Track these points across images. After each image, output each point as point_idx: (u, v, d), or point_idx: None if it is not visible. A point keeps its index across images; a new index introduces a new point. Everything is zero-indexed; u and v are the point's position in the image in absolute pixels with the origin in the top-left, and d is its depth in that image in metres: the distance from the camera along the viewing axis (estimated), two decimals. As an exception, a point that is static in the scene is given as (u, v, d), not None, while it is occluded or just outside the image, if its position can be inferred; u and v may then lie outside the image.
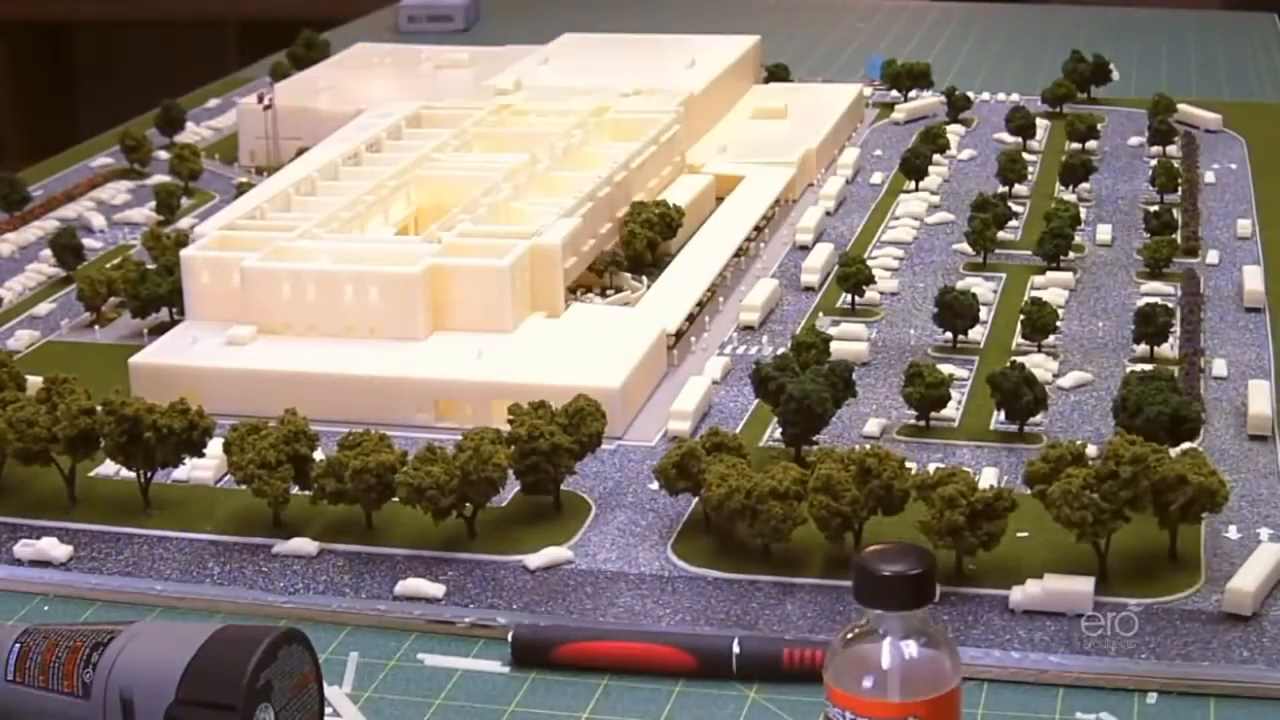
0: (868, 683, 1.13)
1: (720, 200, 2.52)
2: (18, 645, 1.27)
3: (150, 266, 2.21)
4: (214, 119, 3.20)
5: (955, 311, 2.03)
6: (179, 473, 1.76)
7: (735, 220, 2.42)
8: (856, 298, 2.18)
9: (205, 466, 1.76)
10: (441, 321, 1.98)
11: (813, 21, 3.97)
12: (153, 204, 2.62)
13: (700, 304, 2.15)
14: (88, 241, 2.46)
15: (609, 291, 2.23)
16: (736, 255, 2.32)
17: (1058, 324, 2.04)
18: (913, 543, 1.20)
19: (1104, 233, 2.41)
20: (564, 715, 1.39)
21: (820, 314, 2.17)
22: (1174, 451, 1.57)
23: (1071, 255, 2.30)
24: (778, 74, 3.18)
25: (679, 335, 2.06)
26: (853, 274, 2.16)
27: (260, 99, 2.82)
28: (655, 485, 1.66)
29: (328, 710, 1.36)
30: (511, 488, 1.67)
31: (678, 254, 2.29)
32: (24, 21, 6.14)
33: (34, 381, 1.84)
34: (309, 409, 1.71)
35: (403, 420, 1.84)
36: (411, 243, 2.12)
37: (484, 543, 1.62)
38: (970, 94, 3.10)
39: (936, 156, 2.72)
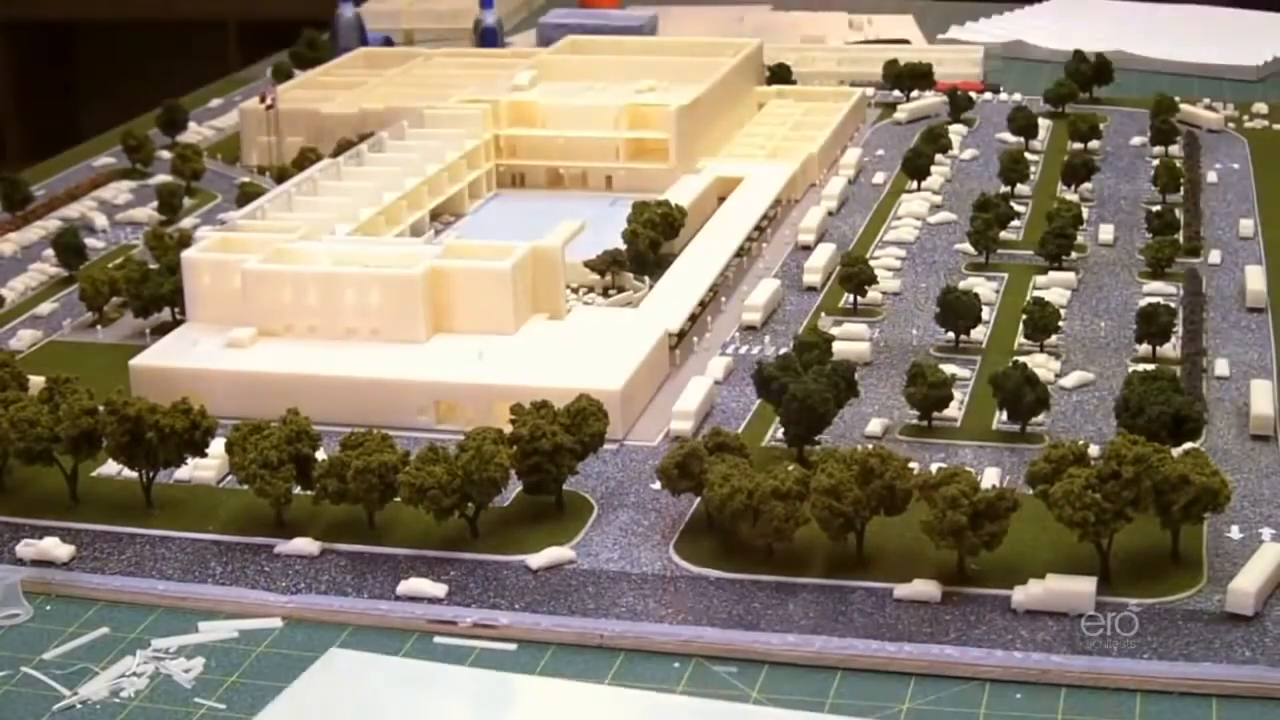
0: None
1: (721, 200, 2.52)
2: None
3: (152, 266, 2.21)
4: (216, 119, 3.20)
5: (957, 311, 2.03)
6: (181, 473, 1.76)
7: (737, 220, 2.42)
8: (859, 298, 2.18)
9: (207, 466, 1.76)
10: (443, 323, 1.98)
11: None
12: (155, 204, 2.62)
13: (702, 304, 2.15)
14: (90, 241, 2.46)
15: (611, 291, 2.23)
16: (738, 255, 2.32)
17: (1060, 324, 2.04)
18: None
19: (1106, 232, 2.41)
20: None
21: (822, 314, 2.17)
22: (1176, 451, 1.57)
23: (1074, 255, 2.30)
24: (780, 75, 3.18)
25: (681, 335, 2.05)
26: (855, 274, 2.16)
27: (263, 99, 2.82)
28: (657, 485, 1.66)
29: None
30: (513, 488, 1.67)
31: (680, 254, 2.29)
32: (25, 21, 6.14)
33: (36, 381, 1.84)
34: (310, 411, 1.70)
35: (404, 423, 1.84)
36: (412, 244, 2.12)
37: (486, 542, 1.62)
38: (972, 94, 3.10)
39: (939, 156, 2.72)
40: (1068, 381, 1.94)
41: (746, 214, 2.44)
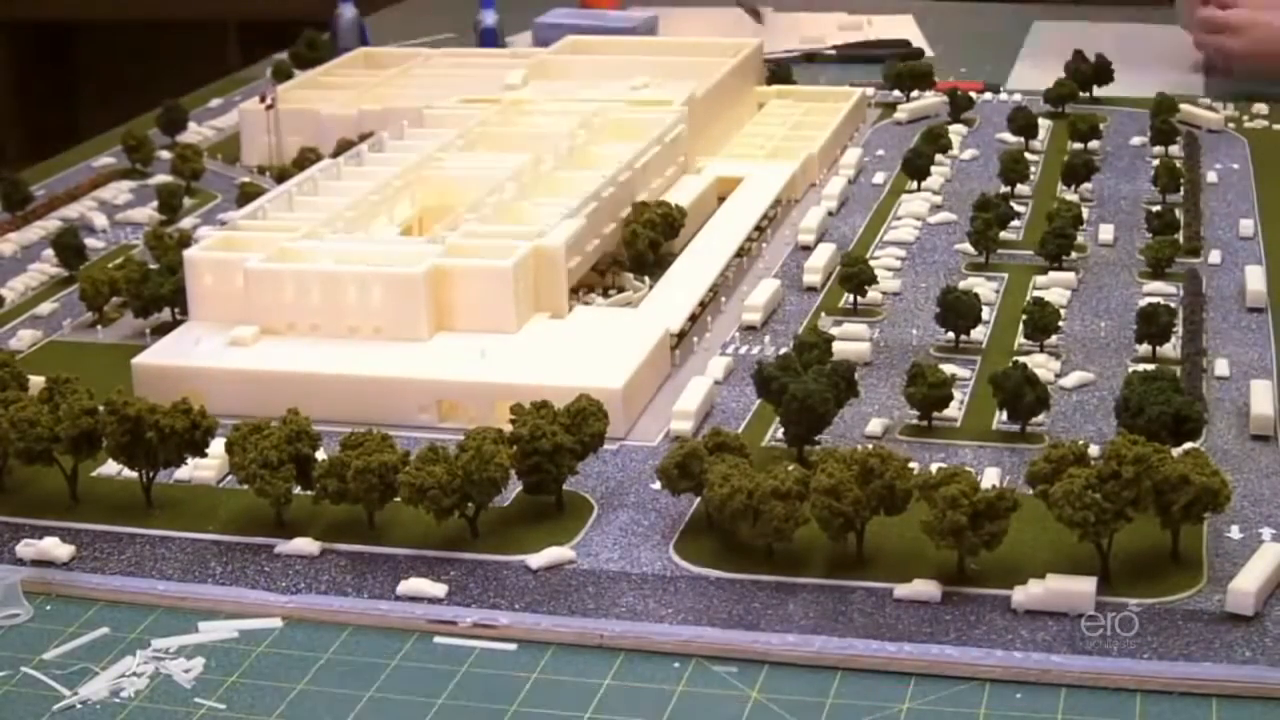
0: None
1: (721, 200, 2.53)
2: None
3: (152, 266, 2.21)
4: (216, 119, 3.20)
5: (957, 311, 2.03)
6: (181, 473, 1.77)
7: (737, 220, 2.42)
8: (859, 298, 2.18)
9: (207, 466, 1.76)
10: (445, 322, 1.98)
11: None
12: (155, 204, 2.62)
13: (703, 304, 2.15)
14: (90, 241, 2.46)
15: (611, 291, 2.23)
16: (739, 255, 2.32)
17: (1060, 324, 2.04)
18: None
19: (1106, 233, 2.41)
20: (567, 715, 1.39)
21: (823, 314, 2.17)
22: (1176, 451, 1.57)
23: (1074, 255, 2.30)
24: (780, 75, 3.18)
25: (681, 335, 2.05)
26: (855, 274, 2.16)
27: (262, 99, 2.82)
28: (657, 485, 1.66)
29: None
30: (514, 488, 1.67)
31: (680, 254, 2.29)
32: (25, 21, 6.15)
33: (36, 381, 1.84)
34: (312, 410, 1.71)
35: (406, 421, 1.84)
36: (415, 243, 2.12)
37: (486, 542, 1.62)
38: (973, 94, 3.10)
39: (939, 156, 2.72)
40: (1068, 381, 1.94)
41: (746, 214, 2.44)
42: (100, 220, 2.60)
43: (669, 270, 2.22)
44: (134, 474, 1.71)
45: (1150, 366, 1.87)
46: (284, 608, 1.54)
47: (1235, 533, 1.60)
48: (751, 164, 2.65)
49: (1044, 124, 2.92)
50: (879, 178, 2.70)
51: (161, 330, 2.10)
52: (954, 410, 1.86)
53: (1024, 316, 2.03)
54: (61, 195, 2.70)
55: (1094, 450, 1.62)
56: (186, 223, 2.56)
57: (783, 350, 1.96)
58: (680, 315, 2.07)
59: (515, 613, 1.51)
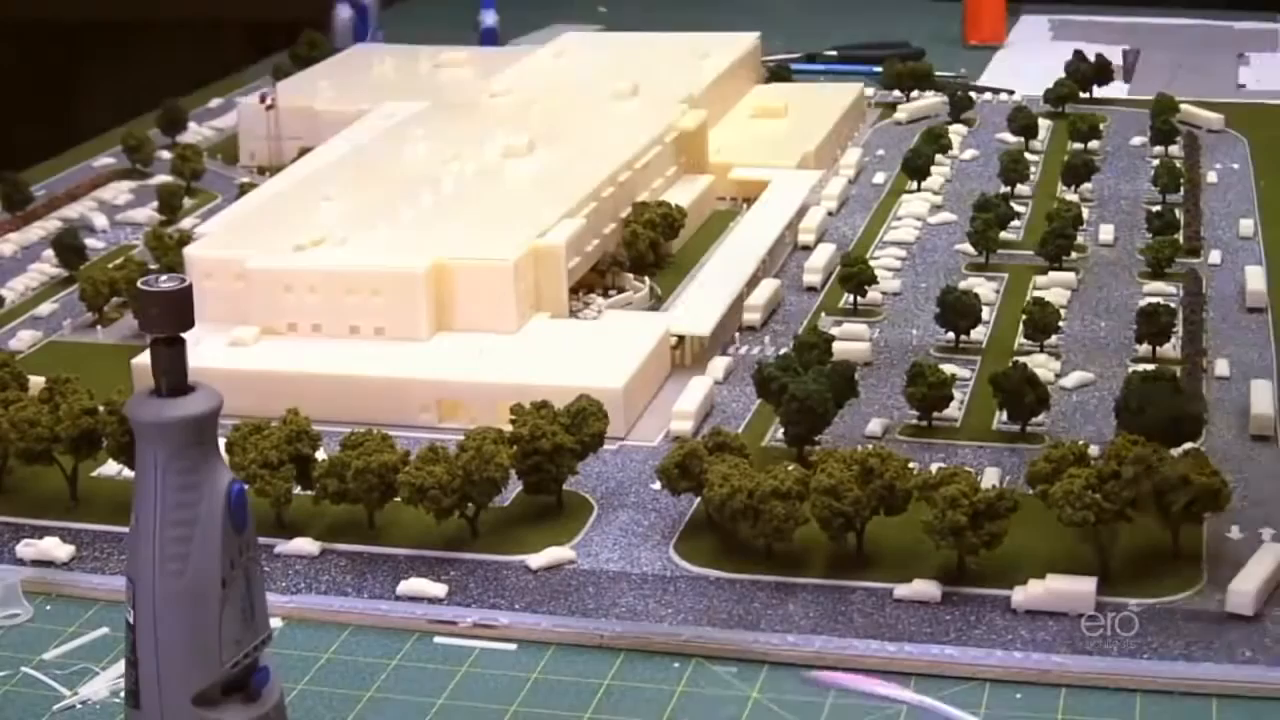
0: None
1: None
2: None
3: (153, 266, 2.21)
4: (216, 119, 3.20)
5: (957, 311, 2.03)
6: (181, 473, 1.76)
7: (762, 226, 2.38)
8: (859, 298, 2.18)
9: (207, 466, 1.76)
10: (445, 322, 1.98)
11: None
12: (155, 204, 2.62)
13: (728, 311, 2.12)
14: (90, 241, 2.46)
15: (611, 292, 2.23)
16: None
17: (1060, 324, 2.04)
18: None
19: (1106, 233, 2.41)
20: (567, 715, 1.39)
21: (823, 314, 2.17)
22: (1176, 452, 1.57)
23: (1074, 255, 2.30)
24: (780, 74, 3.18)
25: (682, 336, 2.05)
26: (855, 274, 2.16)
27: (262, 99, 2.82)
28: (657, 485, 1.66)
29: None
30: (514, 488, 1.67)
31: (710, 258, 2.27)
32: (24, 21, 6.15)
33: (36, 381, 1.84)
34: (313, 410, 1.71)
35: (406, 421, 1.84)
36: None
37: (486, 542, 1.62)
38: (973, 94, 3.10)
39: (939, 157, 2.72)
40: (1068, 381, 1.94)
41: (772, 218, 2.40)
42: (100, 220, 2.60)
43: (698, 276, 2.20)
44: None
45: (1150, 366, 1.87)
46: (284, 608, 1.54)
47: (1235, 533, 1.60)
48: (760, 166, 2.63)
49: (1044, 124, 2.92)
50: (879, 178, 2.70)
51: (161, 330, 2.10)
52: (954, 410, 1.86)
53: (1024, 316, 2.03)
54: (61, 195, 2.70)
55: (1094, 450, 1.62)
56: (186, 223, 2.56)
57: (783, 350, 1.96)
58: (709, 321, 2.04)
59: (515, 613, 1.51)
